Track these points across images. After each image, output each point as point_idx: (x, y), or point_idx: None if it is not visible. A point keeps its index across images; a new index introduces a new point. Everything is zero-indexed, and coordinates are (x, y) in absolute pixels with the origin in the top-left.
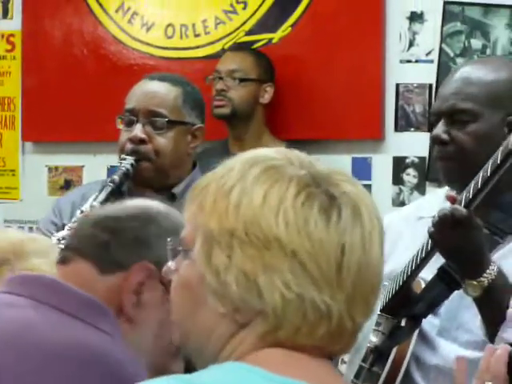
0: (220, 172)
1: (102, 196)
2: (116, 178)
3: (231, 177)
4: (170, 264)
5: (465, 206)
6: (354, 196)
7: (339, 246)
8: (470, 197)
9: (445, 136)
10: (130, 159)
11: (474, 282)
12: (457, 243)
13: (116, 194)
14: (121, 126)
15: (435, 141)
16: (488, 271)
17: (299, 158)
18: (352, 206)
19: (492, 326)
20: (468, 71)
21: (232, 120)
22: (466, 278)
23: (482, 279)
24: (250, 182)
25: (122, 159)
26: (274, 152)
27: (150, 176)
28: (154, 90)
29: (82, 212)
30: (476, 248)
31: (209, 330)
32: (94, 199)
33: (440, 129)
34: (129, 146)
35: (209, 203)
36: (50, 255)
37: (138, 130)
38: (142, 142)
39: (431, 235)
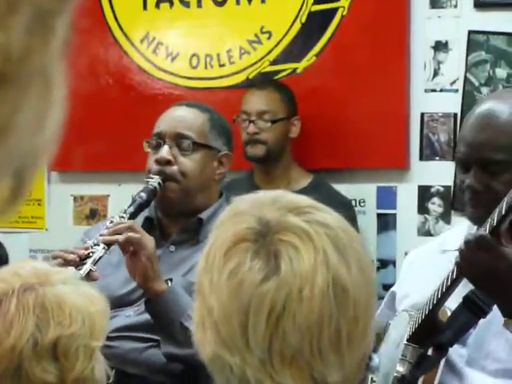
0: None
1: (131, 209)
2: (143, 194)
3: None
4: None
5: (490, 232)
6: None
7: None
8: (494, 224)
9: (479, 186)
10: (157, 178)
11: None
12: (483, 269)
13: (144, 208)
14: (148, 150)
15: (469, 189)
16: None
17: None
18: (274, 260)
19: None
20: (493, 114)
21: (264, 159)
22: (505, 316)
23: None
24: None
25: (148, 178)
26: None
27: (176, 197)
28: (181, 115)
29: (111, 222)
30: (505, 277)
31: None
32: (124, 212)
33: (473, 178)
34: (155, 167)
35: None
36: (77, 285)
37: (164, 152)
38: (168, 163)
39: (457, 264)
